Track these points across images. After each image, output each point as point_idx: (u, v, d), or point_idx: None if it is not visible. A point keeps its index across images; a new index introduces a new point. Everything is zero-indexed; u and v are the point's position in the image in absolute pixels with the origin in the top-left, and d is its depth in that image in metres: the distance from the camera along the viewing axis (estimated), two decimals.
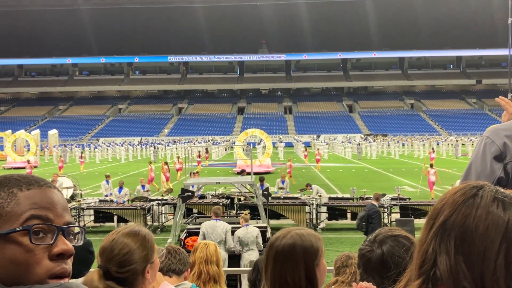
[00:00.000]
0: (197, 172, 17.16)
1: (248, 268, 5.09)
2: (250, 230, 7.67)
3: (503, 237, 0.72)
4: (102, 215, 12.61)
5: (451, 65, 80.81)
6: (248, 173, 12.35)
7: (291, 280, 1.48)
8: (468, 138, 46.47)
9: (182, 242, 8.71)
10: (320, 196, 13.20)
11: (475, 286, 0.72)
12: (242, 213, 11.74)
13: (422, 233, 0.81)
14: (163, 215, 13.01)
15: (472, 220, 0.74)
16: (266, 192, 11.32)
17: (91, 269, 2.34)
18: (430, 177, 16.68)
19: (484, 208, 0.75)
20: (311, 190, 13.76)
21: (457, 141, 41.34)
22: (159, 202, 13.08)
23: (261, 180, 13.48)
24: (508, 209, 0.74)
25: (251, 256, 7.40)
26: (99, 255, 1.48)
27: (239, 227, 7.89)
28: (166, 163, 20.45)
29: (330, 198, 13.58)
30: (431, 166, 17.25)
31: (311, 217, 12.45)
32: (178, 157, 25.69)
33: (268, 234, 9.02)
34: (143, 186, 14.96)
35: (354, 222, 12.66)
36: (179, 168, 23.09)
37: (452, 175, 23.11)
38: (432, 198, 16.31)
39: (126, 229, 1.55)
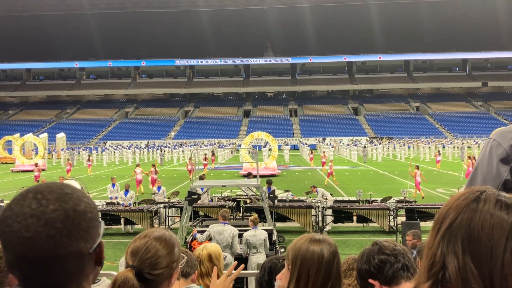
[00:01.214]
0: (203, 174, 17.25)
1: (256, 271, 5.13)
2: (259, 233, 7.70)
3: (509, 235, 0.74)
4: (109, 217, 12.70)
5: (457, 68, 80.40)
6: (255, 176, 12.39)
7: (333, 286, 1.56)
8: (474, 141, 46.17)
9: (188, 244, 8.77)
10: (325, 199, 13.20)
11: (484, 284, 0.73)
12: (248, 215, 11.80)
13: (429, 237, 0.84)
14: (169, 217, 13.07)
15: (477, 221, 0.77)
16: (272, 195, 11.32)
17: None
18: (417, 178, 17.49)
19: (488, 211, 0.77)
20: (316, 193, 13.76)
21: (463, 143, 41.11)
22: (166, 204, 13.15)
23: (269, 183, 13.46)
24: (511, 210, 0.77)
25: (258, 259, 7.43)
26: (131, 256, 1.48)
27: (245, 230, 7.93)
28: (153, 165, 20.76)
29: (336, 201, 13.57)
30: (417, 167, 17.95)
31: (317, 220, 12.45)
32: (190, 159, 25.90)
33: (274, 237, 9.04)
34: (158, 188, 15.04)
35: (360, 225, 12.69)
36: (191, 169, 23.40)
37: (458, 177, 23.00)
38: (423, 197, 16.89)
39: (157, 233, 1.55)
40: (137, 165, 20.78)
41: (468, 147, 41.18)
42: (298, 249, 1.64)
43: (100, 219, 0.97)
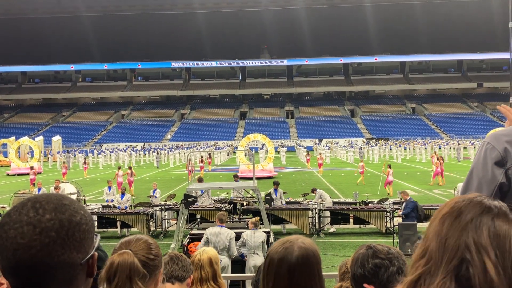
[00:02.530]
0: (199, 177, 17.21)
1: (252, 274, 5.12)
2: (257, 235, 7.70)
3: None
4: (105, 220, 12.64)
5: (452, 69, 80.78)
6: (250, 178, 12.36)
7: None
8: (470, 142, 46.37)
9: (185, 247, 8.75)
10: (322, 200, 13.19)
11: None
12: (245, 218, 11.77)
13: (439, 226, 0.80)
14: (166, 220, 13.03)
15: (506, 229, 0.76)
16: (268, 197, 11.29)
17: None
18: (389, 177, 18.36)
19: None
20: (314, 194, 13.74)
21: (459, 144, 41.25)
22: (162, 207, 13.11)
23: (276, 184, 13.35)
24: None
25: (256, 261, 7.43)
26: (123, 245, 1.60)
27: (242, 233, 7.93)
28: (130, 167, 20.87)
29: (332, 203, 13.56)
30: (389, 166, 18.73)
31: (314, 221, 12.44)
32: (190, 160, 25.97)
33: (271, 239, 9.02)
34: (154, 191, 15.01)
35: (357, 226, 12.70)
36: (191, 169, 23.54)
37: (454, 178, 23.08)
38: (388, 194, 17.77)
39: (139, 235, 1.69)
40: (118, 168, 21.05)
41: (464, 148, 41.32)
42: (270, 253, 1.57)
43: (95, 232, 0.99)
